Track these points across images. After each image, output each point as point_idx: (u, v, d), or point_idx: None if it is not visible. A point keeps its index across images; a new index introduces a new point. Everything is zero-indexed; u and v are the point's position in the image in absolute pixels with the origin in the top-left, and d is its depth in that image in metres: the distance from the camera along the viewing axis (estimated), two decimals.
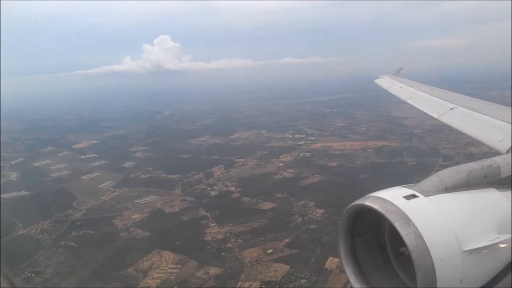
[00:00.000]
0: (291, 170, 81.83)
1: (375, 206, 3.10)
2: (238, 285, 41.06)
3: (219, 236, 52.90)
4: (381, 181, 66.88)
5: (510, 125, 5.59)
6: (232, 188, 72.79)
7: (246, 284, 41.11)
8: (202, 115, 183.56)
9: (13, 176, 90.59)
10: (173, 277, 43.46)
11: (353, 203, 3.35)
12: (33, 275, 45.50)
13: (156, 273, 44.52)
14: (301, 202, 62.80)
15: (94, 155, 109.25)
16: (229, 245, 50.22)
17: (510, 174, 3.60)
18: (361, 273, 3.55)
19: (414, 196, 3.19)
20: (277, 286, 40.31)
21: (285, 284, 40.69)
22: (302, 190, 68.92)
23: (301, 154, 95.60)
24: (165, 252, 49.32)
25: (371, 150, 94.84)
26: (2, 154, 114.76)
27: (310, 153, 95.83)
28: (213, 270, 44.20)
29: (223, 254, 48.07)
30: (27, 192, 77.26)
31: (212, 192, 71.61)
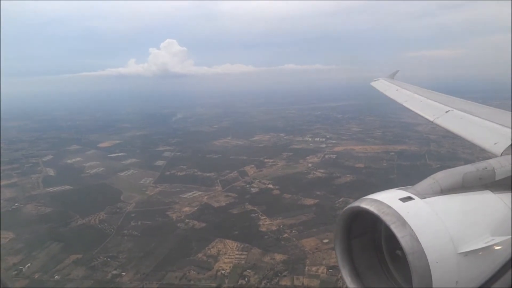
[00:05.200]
0: (322, 170, 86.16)
1: (371, 208, 3.12)
2: (306, 269, 45.05)
3: (273, 228, 56.79)
4: (411, 181, 69.41)
5: (504, 128, 5.68)
6: (270, 186, 76.74)
7: (313, 268, 45.11)
8: (216, 118, 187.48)
9: (50, 172, 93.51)
10: (243, 262, 47.23)
11: (349, 205, 3.37)
12: (108, 259, 48.88)
13: (226, 258, 48.28)
14: (341, 199, 66.92)
15: (122, 153, 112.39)
16: (286, 235, 54.15)
17: (504, 176, 3.65)
18: (357, 275, 3.58)
19: (410, 198, 3.22)
20: None
21: None
22: (339, 188, 73.20)
23: (326, 156, 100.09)
24: (227, 240, 53.07)
25: (393, 154, 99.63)
26: (30, 151, 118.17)
27: (335, 155, 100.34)
28: (278, 256, 48.08)
29: (282, 242, 52.03)
30: (70, 187, 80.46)
31: (252, 189, 75.48)
